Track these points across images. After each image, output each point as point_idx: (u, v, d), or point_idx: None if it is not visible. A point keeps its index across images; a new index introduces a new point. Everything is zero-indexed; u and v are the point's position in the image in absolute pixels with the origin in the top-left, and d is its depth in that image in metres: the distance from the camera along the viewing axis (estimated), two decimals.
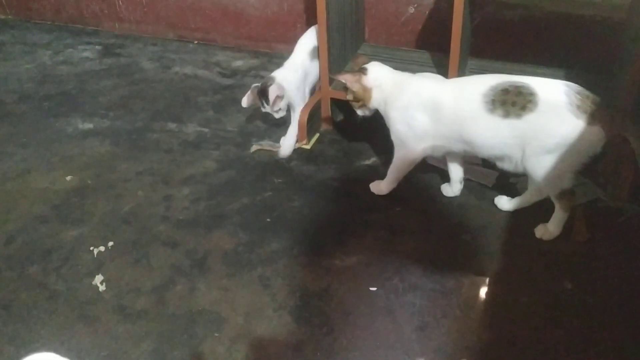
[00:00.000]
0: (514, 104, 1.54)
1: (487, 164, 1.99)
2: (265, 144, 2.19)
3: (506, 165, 1.66)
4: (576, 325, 1.46)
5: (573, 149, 1.52)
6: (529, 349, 1.41)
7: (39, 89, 2.66)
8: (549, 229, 1.70)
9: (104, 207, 1.92)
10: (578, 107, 1.49)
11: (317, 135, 2.26)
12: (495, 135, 1.59)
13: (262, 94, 2.10)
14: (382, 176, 1.91)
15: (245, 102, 2.25)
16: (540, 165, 1.58)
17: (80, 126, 2.37)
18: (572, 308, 1.51)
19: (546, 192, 1.68)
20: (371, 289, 1.59)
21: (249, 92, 2.19)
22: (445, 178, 1.91)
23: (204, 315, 1.54)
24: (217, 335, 1.48)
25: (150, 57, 2.92)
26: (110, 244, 1.78)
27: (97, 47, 3.05)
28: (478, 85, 1.60)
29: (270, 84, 2.08)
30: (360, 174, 2.03)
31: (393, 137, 1.80)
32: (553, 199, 1.66)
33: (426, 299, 1.55)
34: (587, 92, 1.52)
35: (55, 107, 2.51)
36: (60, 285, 1.64)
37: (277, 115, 2.18)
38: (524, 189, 1.80)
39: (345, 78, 1.79)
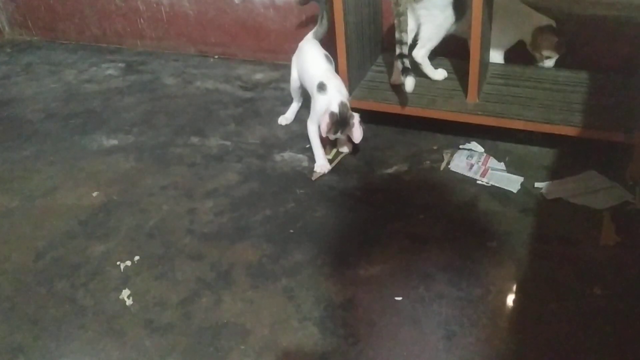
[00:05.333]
0: None
1: (511, 170, 1.98)
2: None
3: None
4: (608, 332, 1.43)
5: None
6: (559, 357, 1.39)
7: (65, 108, 2.71)
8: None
9: (129, 222, 1.95)
10: None
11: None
12: None
13: (343, 124, 1.98)
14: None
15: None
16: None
17: (105, 142, 2.41)
18: (602, 314, 1.48)
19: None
20: (396, 298, 1.58)
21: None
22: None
23: (230, 327, 1.54)
24: (242, 347, 1.48)
25: (172, 72, 2.97)
26: (137, 258, 1.80)
27: (120, 64, 3.11)
28: None
29: (351, 115, 1.98)
30: (383, 183, 2.03)
31: None
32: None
33: (452, 308, 1.53)
34: None
35: (81, 124, 2.56)
36: (88, 300, 1.66)
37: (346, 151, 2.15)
38: None
39: None
